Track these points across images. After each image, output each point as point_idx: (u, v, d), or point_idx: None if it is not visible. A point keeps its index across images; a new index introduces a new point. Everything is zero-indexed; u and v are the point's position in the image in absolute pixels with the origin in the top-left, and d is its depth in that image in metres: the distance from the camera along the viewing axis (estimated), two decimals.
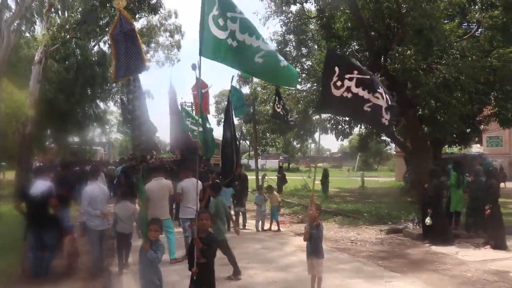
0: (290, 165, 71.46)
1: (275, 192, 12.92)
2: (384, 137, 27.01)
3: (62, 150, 34.01)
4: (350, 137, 28.30)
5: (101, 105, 33.95)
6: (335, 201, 19.97)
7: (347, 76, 5.77)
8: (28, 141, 19.44)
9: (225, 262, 6.98)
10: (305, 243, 6.28)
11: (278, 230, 12.05)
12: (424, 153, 14.99)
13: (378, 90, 5.82)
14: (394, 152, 47.65)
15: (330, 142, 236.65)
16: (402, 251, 9.35)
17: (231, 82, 13.08)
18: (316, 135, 31.33)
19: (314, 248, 6.23)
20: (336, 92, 5.78)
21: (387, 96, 5.96)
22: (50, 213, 7.24)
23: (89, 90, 28.52)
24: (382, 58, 15.62)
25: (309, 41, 20.76)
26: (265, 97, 20.76)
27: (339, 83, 5.81)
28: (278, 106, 11.87)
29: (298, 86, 22.21)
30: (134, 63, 5.23)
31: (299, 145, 68.07)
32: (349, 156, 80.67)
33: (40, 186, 7.17)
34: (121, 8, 5.30)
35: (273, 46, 5.57)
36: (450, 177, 11.27)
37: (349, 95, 5.75)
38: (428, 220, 9.87)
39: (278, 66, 5.43)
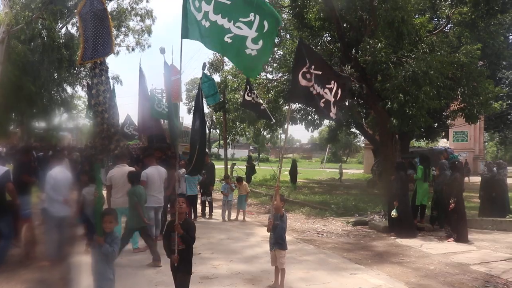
0: (260, 155, 71.50)
1: (244, 182, 12.77)
2: (353, 129, 27.30)
3: (27, 135, 32.86)
4: (320, 128, 28.42)
5: (68, 89, 32.89)
6: (303, 192, 20.04)
7: (312, 69, 5.93)
8: None
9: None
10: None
11: (244, 220, 11.93)
12: (391, 146, 15.13)
13: (327, 86, 6.07)
14: (363, 145, 48.33)
15: (300, 133, 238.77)
16: (367, 243, 9.37)
17: (203, 70, 12.69)
18: (291, 126, 31.30)
19: (278, 239, 6.13)
20: (303, 82, 5.87)
21: (339, 90, 6.25)
22: (6, 199, 6.84)
23: (55, 74, 27.57)
24: (354, 50, 15.65)
25: (281, 31, 20.56)
26: (235, 85, 20.46)
27: (308, 76, 5.92)
28: (249, 94, 11.60)
29: (269, 76, 22.13)
30: (101, 45, 4.88)
31: (269, 136, 68.09)
32: (319, 148, 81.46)
33: None
34: None
35: (253, 34, 5.41)
36: (417, 171, 11.36)
37: (315, 92, 5.94)
38: (393, 213, 9.94)
39: (243, 52, 5.37)
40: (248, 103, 11.29)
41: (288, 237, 9.55)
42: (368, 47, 13.27)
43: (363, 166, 46.35)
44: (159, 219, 8.83)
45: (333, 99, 6.14)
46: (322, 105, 6.09)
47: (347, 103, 16.27)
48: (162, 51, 12.29)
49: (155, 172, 8.54)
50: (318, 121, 19.52)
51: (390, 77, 13.03)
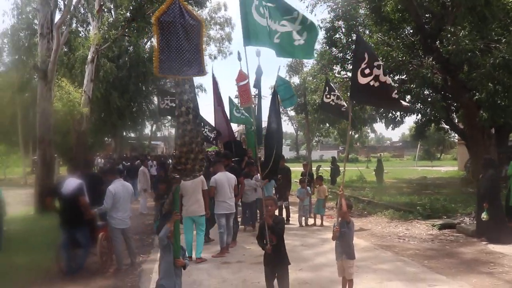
0: (349, 156, 69.85)
1: (324, 185, 12.40)
2: (443, 125, 25.50)
3: (120, 146, 35.25)
4: (410, 125, 27.04)
5: (155, 100, 34.76)
6: (390, 192, 19.00)
7: (376, 63, 5.55)
8: (83, 138, 20.11)
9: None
10: None
11: (321, 224, 11.54)
12: (484, 141, 13.83)
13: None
14: (457, 140, 45.12)
15: (391, 131, 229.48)
16: (453, 250, 8.54)
17: (278, 73, 12.59)
18: (375, 125, 30.14)
19: (345, 247, 5.73)
20: (362, 80, 5.56)
21: None
22: (81, 211, 7.22)
23: (143, 87, 29.23)
24: (437, 41, 14.57)
25: (359, 27, 19.85)
26: (312, 86, 20.13)
27: (367, 71, 5.58)
28: (328, 96, 11.17)
29: (349, 74, 21.41)
30: (187, 62, 4.53)
31: (357, 135, 66.31)
32: (410, 145, 77.64)
33: (72, 183, 7.18)
34: None
35: (297, 27, 5.78)
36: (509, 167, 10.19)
37: (376, 84, 5.51)
38: (484, 215, 8.94)
39: (293, 45, 5.88)
40: (327, 105, 10.90)
41: (365, 243, 9.18)
42: (449, 35, 12.25)
43: (457, 163, 43.20)
44: (231, 226, 8.82)
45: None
46: (396, 96, 5.71)
47: (429, 98, 15.21)
48: (239, 57, 12.36)
49: (224, 178, 8.55)
50: (399, 118, 18.48)
51: (477, 66, 11.92)
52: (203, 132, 15.63)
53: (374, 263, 7.46)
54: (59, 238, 7.27)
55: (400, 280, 6.48)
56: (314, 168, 25.52)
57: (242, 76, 12.80)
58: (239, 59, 12.51)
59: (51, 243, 7.73)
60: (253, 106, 14.49)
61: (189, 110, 4.66)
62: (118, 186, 7.32)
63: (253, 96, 14.81)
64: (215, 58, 36.00)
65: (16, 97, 23.39)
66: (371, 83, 5.49)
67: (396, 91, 5.64)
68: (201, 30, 4.70)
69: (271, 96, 10.85)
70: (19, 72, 25.29)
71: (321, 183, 12.20)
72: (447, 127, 24.29)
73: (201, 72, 4.74)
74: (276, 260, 5.24)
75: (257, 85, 13.43)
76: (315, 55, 7.35)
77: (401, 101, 5.85)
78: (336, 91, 11.11)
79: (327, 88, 11.24)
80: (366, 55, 5.56)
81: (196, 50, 4.63)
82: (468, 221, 10.68)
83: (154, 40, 4.89)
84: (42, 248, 8.10)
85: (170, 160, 23.36)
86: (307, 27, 5.82)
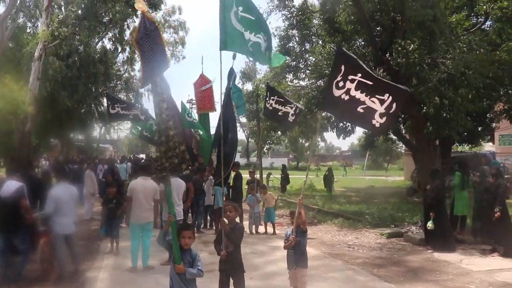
0: (299, 164, 70.68)
1: (269, 192, 12.34)
2: (391, 135, 26.30)
3: (66, 147, 33.82)
4: (359, 135, 27.67)
5: (105, 102, 33.70)
6: (339, 201, 19.28)
7: (350, 77, 5.49)
8: (27, 138, 19.07)
9: None
10: None
11: (274, 233, 11.45)
12: (429, 152, 14.31)
13: (378, 96, 5.45)
14: (404, 151, 46.73)
15: (340, 141, 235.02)
16: (401, 258, 8.69)
17: (230, 78, 12.27)
18: (325, 134, 30.61)
19: (299, 256, 5.65)
20: (336, 92, 5.55)
21: (393, 104, 5.54)
22: (21, 215, 6.72)
23: (93, 88, 28.23)
24: (387, 53, 14.96)
25: (312, 36, 20.12)
26: (265, 93, 20.14)
27: (341, 84, 5.56)
28: (269, 102, 11.06)
29: (302, 82, 21.66)
30: (158, 63, 5.00)
31: (307, 144, 67.29)
32: (359, 155, 79.67)
33: (11, 185, 6.68)
34: (144, 11, 5.04)
35: (267, 41, 5.88)
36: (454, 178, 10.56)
37: (346, 97, 5.48)
38: (429, 224, 9.20)
39: (263, 54, 6.32)
40: (269, 112, 10.85)
41: (315, 251, 9.16)
42: (400, 48, 12.60)
43: (403, 173, 44.73)
44: None
45: (383, 111, 5.49)
46: (361, 110, 5.51)
47: None
48: (234, 57, 11.80)
49: (174, 184, 8.25)
50: (350, 128, 18.84)
51: (425, 80, 12.31)
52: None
53: (324, 271, 7.43)
54: None
55: None
56: (264, 176, 25.56)
57: (204, 81, 12.50)
58: (234, 58, 11.96)
59: None
60: (215, 111, 14.24)
61: (169, 117, 4.91)
62: (61, 190, 6.90)
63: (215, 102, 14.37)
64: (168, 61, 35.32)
65: None
66: (342, 96, 5.47)
67: (364, 106, 5.44)
68: (158, 30, 5.14)
69: (223, 102, 10.67)
70: None
71: (265, 191, 12.11)
72: (395, 137, 25.05)
73: (167, 66, 5.21)
74: (231, 267, 5.20)
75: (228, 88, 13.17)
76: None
77: (373, 119, 5.49)
78: (276, 96, 10.91)
79: (267, 93, 11.14)
80: (342, 67, 5.53)
81: (161, 50, 5.05)
82: (415, 230, 10.96)
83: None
84: None
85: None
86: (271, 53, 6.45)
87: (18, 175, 7.19)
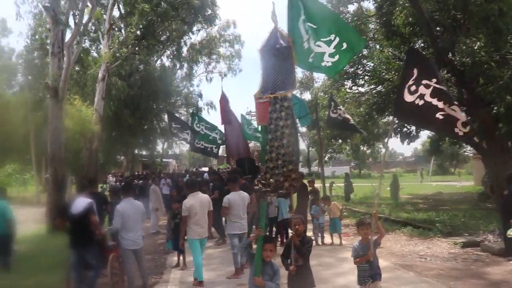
0: (362, 171, 69.16)
1: (334, 202, 12.07)
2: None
3: (131, 163, 35.22)
4: (423, 140, 26.66)
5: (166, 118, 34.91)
6: (406, 209, 18.55)
7: (424, 82, 5.24)
8: (95, 156, 20.07)
9: None
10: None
11: (340, 244, 11.18)
12: (502, 155, 13.43)
13: (455, 103, 5.27)
14: (472, 154, 44.40)
15: (403, 146, 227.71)
16: (480, 270, 8.16)
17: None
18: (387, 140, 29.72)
19: (376, 269, 5.38)
20: (408, 98, 5.31)
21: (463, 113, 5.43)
22: (91, 231, 7.00)
23: (153, 105, 29.32)
24: (450, 54, 14.31)
25: (370, 41, 19.71)
26: (324, 102, 19.97)
27: (413, 88, 5.32)
28: (334, 111, 11.06)
29: (361, 89, 21.21)
30: (282, 81, 5.17)
31: (369, 151, 65.74)
32: (423, 160, 76.70)
33: (81, 202, 6.99)
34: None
35: (330, 50, 5.76)
36: None
37: (421, 103, 5.23)
38: (510, 233, 8.54)
39: (319, 65, 5.90)
40: (333, 120, 10.72)
41: (385, 263, 8.81)
42: (464, 47, 12.00)
43: (472, 177, 42.44)
44: None
45: (464, 119, 5.28)
46: (440, 117, 5.22)
47: None
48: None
49: (237, 197, 8.27)
50: (414, 132, 18.16)
51: (494, 78, 11.63)
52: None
53: (397, 284, 7.14)
54: (69, 259, 7.07)
55: None
56: (327, 185, 25.15)
57: None
58: None
59: (61, 263, 7.53)
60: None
61: (283, 136, 5.05)
62: (127, 205, 7.11)
63: None
64: (225, 75, 36.03)
65: (29, 116, 23.53)
66: (416, 101, 5.23)
67: (444, 113, 5.16)
68: (291, 49, 5.47)
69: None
70: (32, 92, 25.53)
71: (329, 202, 11.85)
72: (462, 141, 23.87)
73: (294, 87, 5.52)
74: (301, 282, 5.07)
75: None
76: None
77: (456, 128, 5.21)
78: (340, 106, 11.06)
79: (332, 103, 11.17)
80: (415, 71, 5.32)
81: (290, 69, 5.32)
82: (492, 239, 10.27)
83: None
84: (52, 269, 7.92)
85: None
86: (341, 52, 5.76)
87: (86, 192, 7.55)
